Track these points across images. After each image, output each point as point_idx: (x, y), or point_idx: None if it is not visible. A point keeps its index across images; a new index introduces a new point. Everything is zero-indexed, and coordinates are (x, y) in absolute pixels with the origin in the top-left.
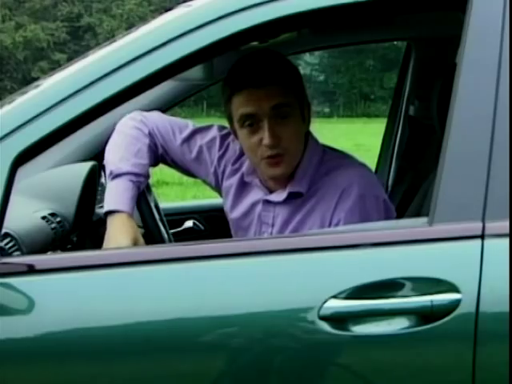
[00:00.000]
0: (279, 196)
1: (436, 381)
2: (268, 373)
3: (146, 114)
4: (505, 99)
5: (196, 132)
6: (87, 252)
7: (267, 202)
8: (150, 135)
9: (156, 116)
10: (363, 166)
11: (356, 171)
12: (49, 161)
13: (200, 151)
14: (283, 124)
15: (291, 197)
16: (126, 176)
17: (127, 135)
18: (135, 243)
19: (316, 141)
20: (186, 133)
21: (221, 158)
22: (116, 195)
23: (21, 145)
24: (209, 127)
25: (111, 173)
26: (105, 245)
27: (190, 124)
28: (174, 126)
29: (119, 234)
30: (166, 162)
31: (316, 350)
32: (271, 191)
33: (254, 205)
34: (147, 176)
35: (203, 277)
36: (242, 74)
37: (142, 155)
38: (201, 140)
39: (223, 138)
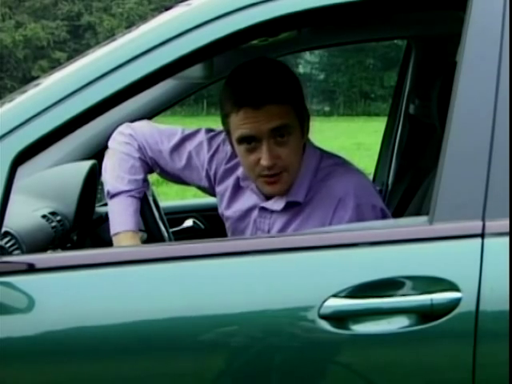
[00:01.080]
0: (276, 205)
1: (436, 380)
2: (268, 372)
3: (134, 125)
4: (505, 98)
5: (184, 139)
6: (87, 251)
7: (264, 209)
8: (140, 149)
9: (144, 127)
10: (359, 172)
11: (352, 179)
12: (49, 159)
13: (189, 157)
14: (282, 143)
15: (288, 206)
16: (123, 194)
17: (118, 152)
18: None
19: (313, 146)
20: (174, 141)
21: (211, 159)
22: (117, 216)
23: (21, 143)
24: (196, 132)
25: (108, 193)
26: None
27: (179, 131)
28: (163, 136)
29: None
30: (157, 173)
31: (316, 349)
32: (267, 197)
33: (249, 210)
34: (145, 185)
35: (203, 275)
36: (240, 91)
37: (135, 171)
38: (189, 146)
39: (211, 139)
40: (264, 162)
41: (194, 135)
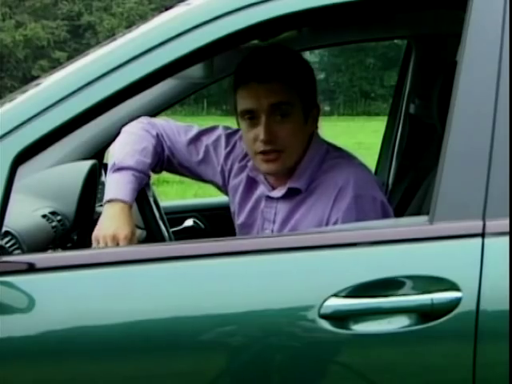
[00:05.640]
0: (279, 192)
1: (436, 379)
2: (268, 371)
3: (151, 118)
4: (505, 97)
5: (201, 133)
6: (87, 250)
7: (269, 198)
8: (157, 137)
9: (162, 120)
10: (362, 165)
11: (353, 170)
12: (49, 159)
13: (207, 151)
14: (282, 122)
15: (291, 192)
16: (128, 170)
17: (134, 134)
18: (132, 236)
19: (321, 140)
20: (191, 134)
21: (228, 155)
22: (118, 185)
23: (21, 143)
24: (214, 128)
25: (114, 165)
26: (100, 229)
27: (195, 126)
28: (180, 129)
29: (118, 220)
30: (172, 167)
31: (316, 349)
32: (274, 187)
33: (258, 201)
34: (148, 175)
35: (204, 275)
36: (248, 68)
37: (146, 154)
38: (207, 140)
39: (229, 136)
40: (261, 136)
41: (212, 130)
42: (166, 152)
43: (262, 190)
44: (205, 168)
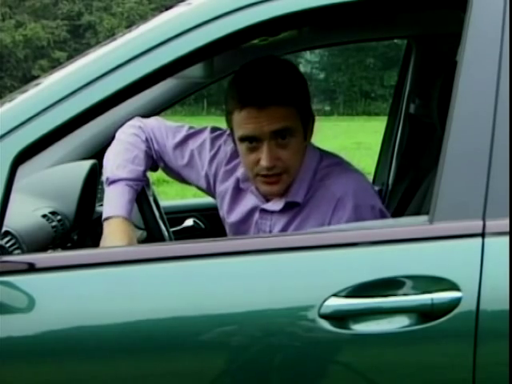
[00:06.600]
0: (276, 205)
1: (436, 379)
2: (268, 371)
3: (144, 119)
4: (505, 97)
5: (188, 137)
6: (87, 250)
7: (264, 211)
8: (147, 141)
9: (154, 122)
10: (358, 172)
11: (350, 179)
12: (49, 159)
13: (191, 156)
14: (283, 145)
15: (288, 206)
16: (122, 181)
17: (125, 142)
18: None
19: (313, 147)
20: (178, 138)
21: (212, 160)
22: (112, 201)
23: (21, 143)
24: (201, 130)
25: (108, 179)
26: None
27: (185, 128)
28: (169, 131)
29: (114, 236)
30: (161, 168)
31: (316, 349)
32: (267, 199)
33: (250, 212)
34: (144, 180)
35: (203, 275)
36: (245, 89)
37: (138, 162)
38: (192, 144)
39: (213, 139)
40: (264, 162)
41: (199, 134)
42: (155, 156)
43: (254, 201)
44: (189, 172)
